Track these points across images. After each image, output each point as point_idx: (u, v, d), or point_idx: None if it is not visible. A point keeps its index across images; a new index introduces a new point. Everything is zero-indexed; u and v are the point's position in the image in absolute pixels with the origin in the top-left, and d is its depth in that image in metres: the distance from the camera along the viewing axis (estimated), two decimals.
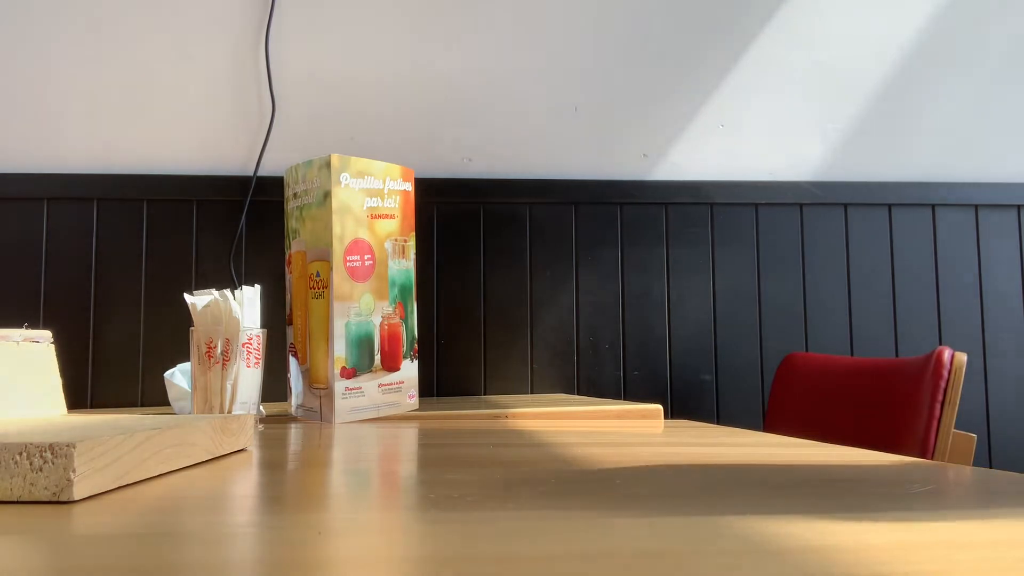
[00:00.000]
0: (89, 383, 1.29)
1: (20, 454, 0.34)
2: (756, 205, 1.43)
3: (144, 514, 0.32)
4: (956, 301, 1.45)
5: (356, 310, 0.82)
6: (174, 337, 1.30)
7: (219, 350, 0.82)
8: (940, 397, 0.93)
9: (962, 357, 0.94)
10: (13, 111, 1.33)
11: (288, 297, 0.88)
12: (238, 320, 0.84)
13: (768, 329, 1.42)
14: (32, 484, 0.34)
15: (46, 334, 0.66)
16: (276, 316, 1.29)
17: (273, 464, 0.48)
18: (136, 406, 1.28)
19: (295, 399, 0.86)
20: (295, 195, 0.85)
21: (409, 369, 0.87)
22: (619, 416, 0.92)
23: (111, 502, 0.34)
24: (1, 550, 0.26)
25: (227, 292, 0.85)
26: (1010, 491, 0.36)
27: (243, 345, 0.84)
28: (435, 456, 0.52)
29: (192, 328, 0.85)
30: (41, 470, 0.34)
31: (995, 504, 0.33)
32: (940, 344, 1.43)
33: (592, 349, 1.38)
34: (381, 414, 0.84)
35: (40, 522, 0.30)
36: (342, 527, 0.29)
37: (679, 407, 1.39)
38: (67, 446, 0.34)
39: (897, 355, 1.43)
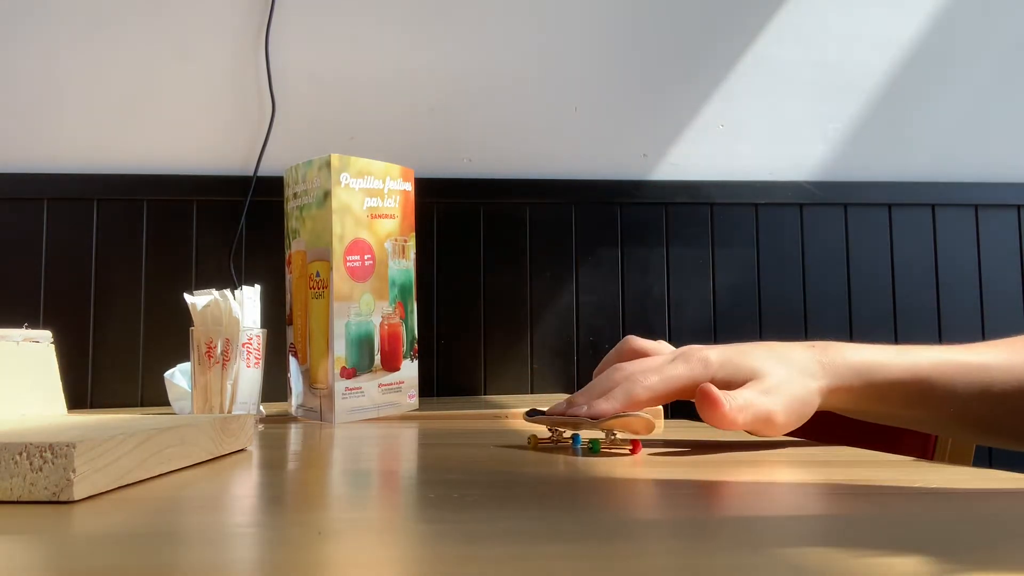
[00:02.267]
0: (89, 383, 1.29)
1: (20, 454, 0.34)
2: (756, 205, 1.43)
3: (144, 514, 0.32)
4: (956, 301, 1.45)
5: (356, 310, 0.82)
6: (174, 337, 1.30)
7: (219, 350, 0.83)
8: None
9: None
10: (13, 111, 1.33)
11: (288, 297, 0.88)
12: (238, 320, 0.84)
13: (768, 329, 1.42)
14: (32, 484, 0.34)
15: (46, 334, 0.66)
16: (276, 316, 1.29)
17: (273, 464, 0.48)
18: (136, 406, 1.28)
19: (295, 399, 0.86)
20: (295, 195, 0.85)
21: (409, 369, 0.87)
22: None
23: (111, 502, 0.34)
24: (1, 550, 0.26)
25: (227, 292, 0.85)
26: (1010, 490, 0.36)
27: (243, 345, 0.84)
28: (435, 456, 0.52)
29: (192, 328, 0.85)
30: (41, 470, 0.34)
31: (995, 504, 0.33)
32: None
33: (592, 349, 1.38)
34: (381, 414, 0.84)
35: (40, 522, 0.30)
36: (342, 527, 0.29)
37: (679, 407, 1.38)
38: (67, 446, 0.34)
39: None
